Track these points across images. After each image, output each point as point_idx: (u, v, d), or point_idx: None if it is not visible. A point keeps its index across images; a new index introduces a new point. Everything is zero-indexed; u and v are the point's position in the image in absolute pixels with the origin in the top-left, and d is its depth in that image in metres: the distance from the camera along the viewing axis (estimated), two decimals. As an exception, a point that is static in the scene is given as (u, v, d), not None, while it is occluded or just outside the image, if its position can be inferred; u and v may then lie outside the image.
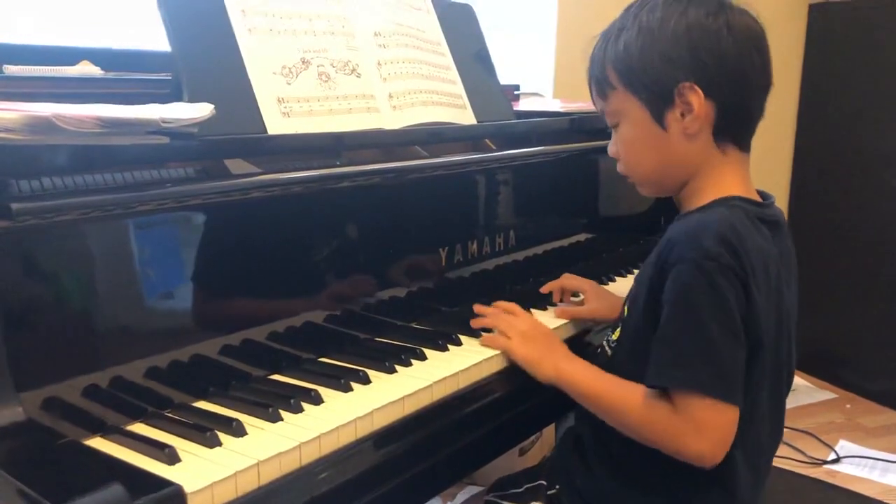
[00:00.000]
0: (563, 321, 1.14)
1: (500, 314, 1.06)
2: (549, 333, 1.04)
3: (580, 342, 1.13)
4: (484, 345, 1.02)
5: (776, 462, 1.02)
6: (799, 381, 2.71)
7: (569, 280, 1.21)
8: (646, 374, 0.85)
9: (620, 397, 0.88)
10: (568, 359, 0.97)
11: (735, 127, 0.90)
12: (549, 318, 1.14)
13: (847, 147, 2.63)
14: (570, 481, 0.99)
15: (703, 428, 0.81)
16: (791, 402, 2.52)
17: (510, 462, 1.72)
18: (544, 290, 1.19)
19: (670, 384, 0.83)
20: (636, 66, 0.89)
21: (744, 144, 0.92)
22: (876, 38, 2.50)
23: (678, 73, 0.86)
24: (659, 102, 0.89)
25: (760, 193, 0.94)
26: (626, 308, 0.97)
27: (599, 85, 0.94)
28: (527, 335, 1.01)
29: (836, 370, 2.69)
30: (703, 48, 0.86)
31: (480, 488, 1.78)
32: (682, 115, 0.88)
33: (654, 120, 0.90)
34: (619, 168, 0.98)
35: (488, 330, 1.05)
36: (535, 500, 0.99)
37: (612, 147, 0.98)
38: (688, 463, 0.83)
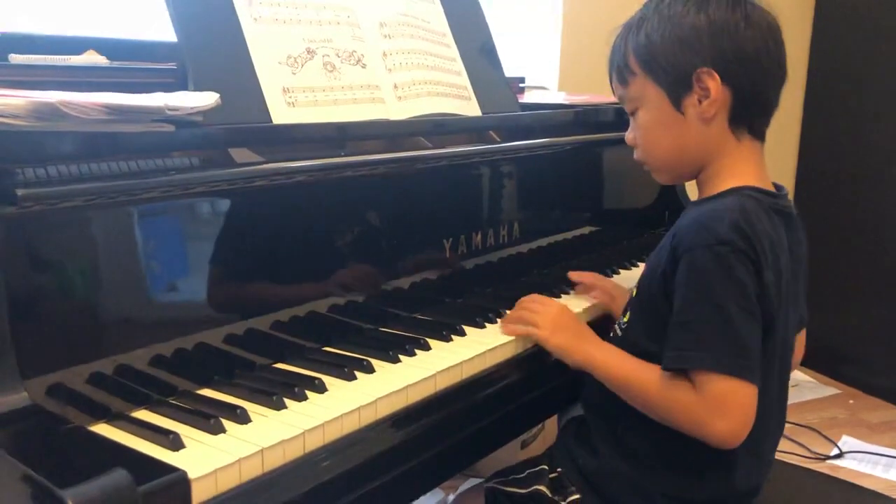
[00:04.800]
0: (583, 304, 1.16)
1: (525, 309, 1.06)
2: (577, 319, 1.06)
3: (598, 326, 1.13)
4: (512, 333, 1.03)
5: (779, 456, 1.02)
6: (802, 376, 2.71)
7: (599, 280, 1.22)
8: (664, 359, 0.86)
9: (645, 380, 0.90)
10: (597, 345, 0.99)
11: (750, 114, 0.92)
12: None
13: (853, 141, 2.63)
14: (573, 463, 1.00)
15: (725, 408, 0.83)
16: (794, 397, 2.53)
17: (512, 455, 1.72)
18: (572, 275, 1.22)
19: (691, 366, 0.84)
20: (657, 52, 0.92)
21: (758, 132, 0.94)
22: (882, 30, 2.49)
23: (696, 59, 0.90)
24: (677, 87, 0.92)
25: (774, 185, 0.96)
26: (634, 290, 0.99)
27: (620, 72, 0.97)
28: (557, 323, 1.02)
29: (840, 366, 2.68)
30: (722, 36, 0.89)
31: (482, 480, 1.79)
32: (700, 100, 0.91)
33: (672, 105, 0.93)
34: (637, 155, 1.00)
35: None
36: (538, 484, 1.01)
37: (630, 134, 1.00)
38: (688, 441, 0.85)
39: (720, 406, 0.83)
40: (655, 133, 0.96)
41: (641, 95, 0.95)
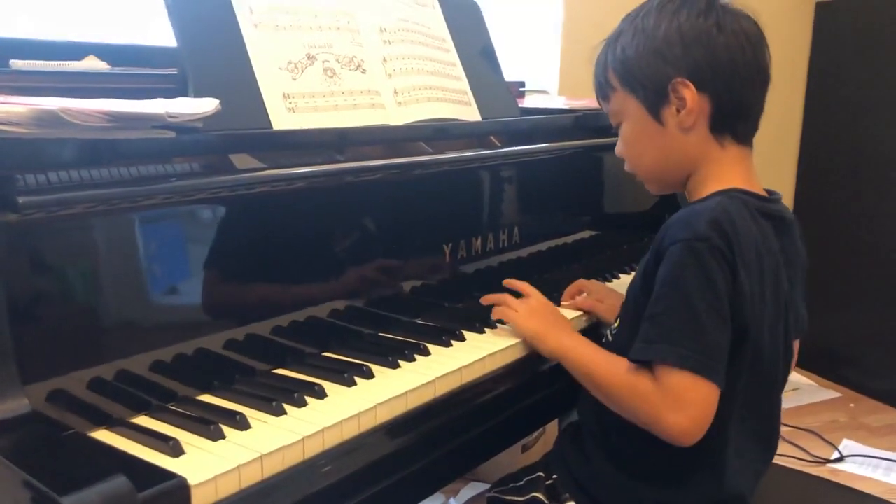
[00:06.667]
0: (575, 313, 1.16)
1: (510, 296, 1.08)
2: (556, 310, 1.08)
3: (590, 335, 1.13)
4: (494, 317, 1.05)
5: (779, 460, 1.02)
6: (803, 379, 2.71)
7: (588, 284, 1.23)
8: (631, 350, 0.87)
9: (609, 370, 0.91)
10: (571, 335, 1.00)
11: (731, 120, 0.92)
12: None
13: (852, 145, 2.63)
14: (567, 470, 1.01)
15: (682, 403, 0.83)
16: (794, 400, 2.53)
17: (513, 459, 1.72)
18: (565, 298, 1.21)
19: (653, 358, 0.85)
20: (632, 66, 0.93)
21: (743, 138, 0.94)
22: (882, 37, 2.49)
23: (671, 70, 0.90)
24: (655, 99, 0.92)
25: (767, 191, 0.96)
26: (626, 295, 1.00)
27: (602, 87, 0.99)
28: (534, 310, 1.04)
29: (841, 369, 2.68)
30: (693, 45, 0.90)
31: (484, 485, 1.79)
32: (678, 110, 0.91)
33: (652, 116, 0.93)
34: (626, 167, 1.02)
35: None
36: (535, 491, 1.01)
37: (619, 147, 1.01)
38: (677, 449, 0.85)
39: (676, 400, 0.82)
40: (639, 145, 0.97)
41: (623, 109, 0.96)
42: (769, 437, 0.98)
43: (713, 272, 0.82)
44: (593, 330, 1.16)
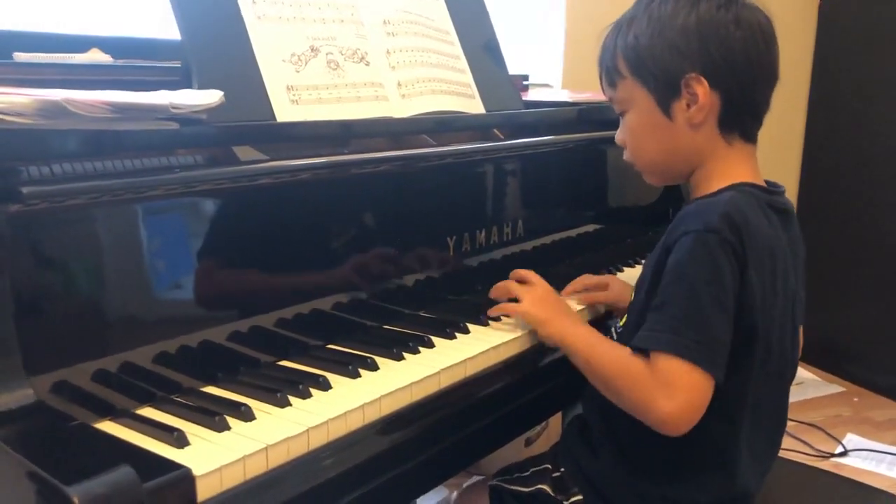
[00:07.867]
0: (579, 306, 1.15)
1: (516, 283, 1.08)
2: (562, 300, 1.07)
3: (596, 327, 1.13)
4: (496, 312, 1.04)
5: (783, 454, 1.02)
6: (806, 374, 2.70)
7: (588, 279, 1.21)
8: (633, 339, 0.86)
9: (608, 356, 0.90)
10: (574, 322, 0.99)
11: (740, 118, 0.91)
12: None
13: (857, 139, 2.62)
14: (576, 464, 1.00)
15: (674, 389, 0.81)
16: (798, 395, 2.53)
17: (516, 452, 1.72)
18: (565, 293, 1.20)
19: (653, 346, 0.84)
20: (645, 56, 0.90)
21: (750, 136, 0.93)
22: (886, 30, 2.49)
23: (685, 64, 0.88)
24: (666, 92, 0.90)
25: (769, 183, 0.95)
26: (632, 293, 0.99)
27: (609, 73, 0.96)
28: (538, 298, 1.03)
29: (844, 363, 2.68)
30: (711, 40, 0.87)
31: (484, 478, 1.79)
32: (688, 105, 0.89)
33: (661, 109, 0.91)
34: (626, 156, 1.00)
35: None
36: (541, 483, 1.01)
37: (620, 134, 0.99)
38: (688, 446, 0.84)
39: (667, 385, 0.81)
40: (644, 136, 0.95)
41: (630, 98, 0.94)
42: (777, 432, 0.98)
43: (721, 264, 0.81)
44: (597, 324, 1.16)
